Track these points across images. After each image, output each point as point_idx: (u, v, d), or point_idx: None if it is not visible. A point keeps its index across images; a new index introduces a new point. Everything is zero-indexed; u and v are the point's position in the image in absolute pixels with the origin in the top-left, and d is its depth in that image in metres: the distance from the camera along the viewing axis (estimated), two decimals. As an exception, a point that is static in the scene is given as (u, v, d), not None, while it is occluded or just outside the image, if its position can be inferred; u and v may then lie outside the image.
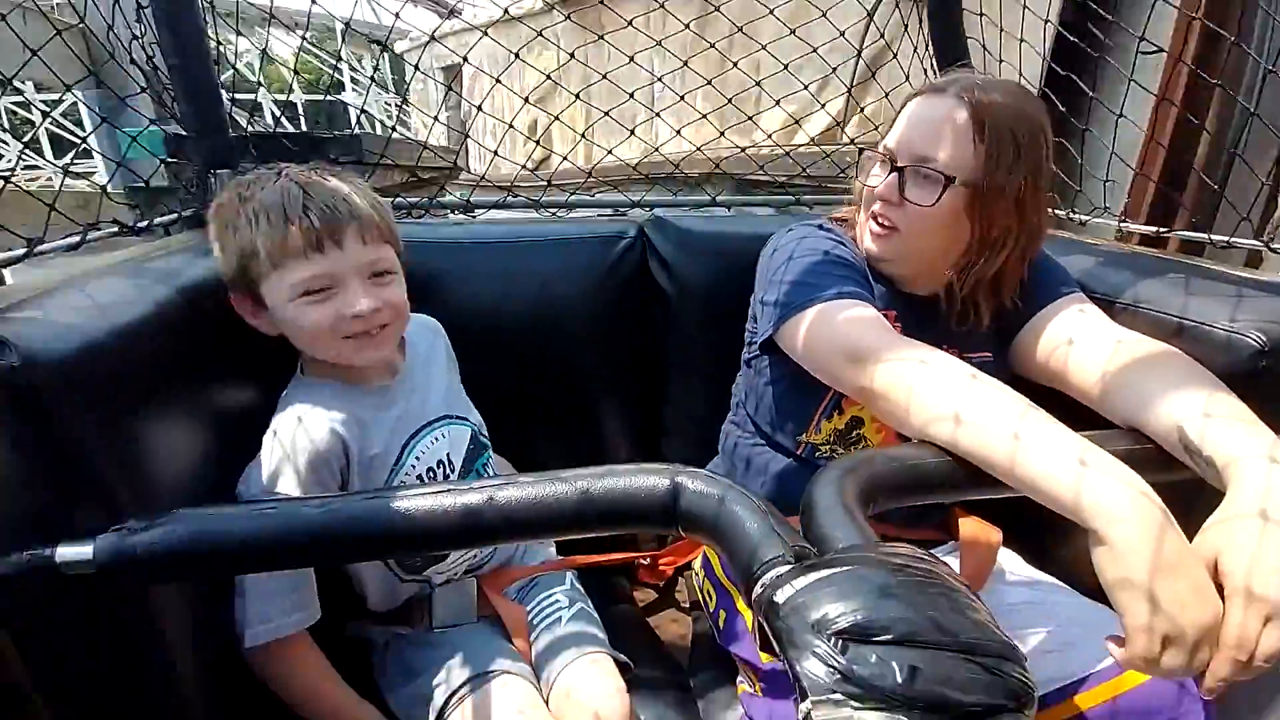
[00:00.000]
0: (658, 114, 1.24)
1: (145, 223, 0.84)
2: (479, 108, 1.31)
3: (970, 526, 0.88)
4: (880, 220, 0.79)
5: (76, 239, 0.71)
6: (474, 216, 1.21)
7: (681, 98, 1.31)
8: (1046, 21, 1.12)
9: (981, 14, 1.17)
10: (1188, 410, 0.55)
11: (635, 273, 1.11)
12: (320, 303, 0.69)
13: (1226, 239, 0.84)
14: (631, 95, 1.23)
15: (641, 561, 1.08)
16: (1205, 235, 0.87)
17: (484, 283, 1.07)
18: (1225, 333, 0.67)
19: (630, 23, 1.18)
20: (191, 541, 0.47)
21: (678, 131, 1.43)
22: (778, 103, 1.29)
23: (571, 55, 1.22)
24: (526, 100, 1.28)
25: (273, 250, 0.67)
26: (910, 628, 0.33)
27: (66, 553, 0.48)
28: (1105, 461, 0.50)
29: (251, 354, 0.74)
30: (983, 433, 0.54)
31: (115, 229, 0.78)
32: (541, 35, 1.19)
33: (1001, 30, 1.18)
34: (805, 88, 1.26)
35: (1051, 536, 0.87)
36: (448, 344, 0.94)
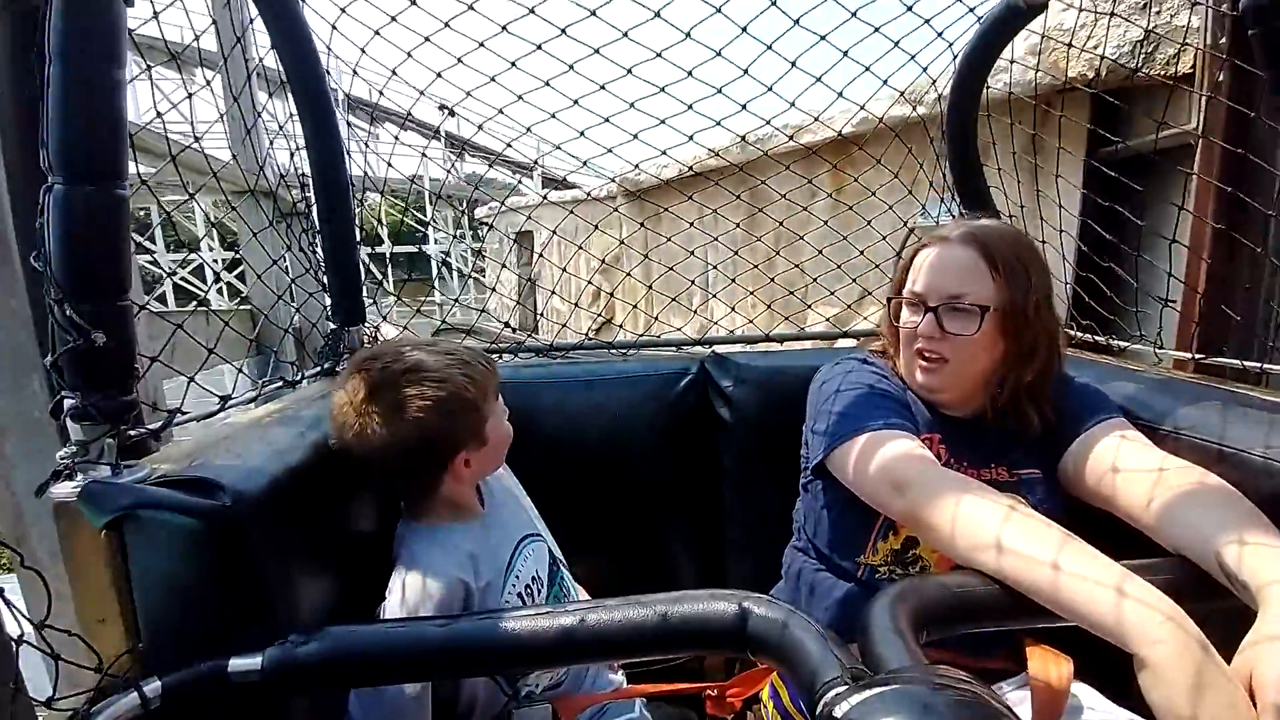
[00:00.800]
0: (714, 294, 1.41)
1: (300, 376, 1.03)
2: (557, 280, 1.50)
3: (1039, 655, 0.87)
4: (928, 355, 0.88)
5: (254, 394, 0.89)
6: (554, 358, 1.37)
7: (733, 280, 1.48)
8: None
9: (1022, 207, 1.31)
10: (1226, 537, 0.59)
11: (697, 405, 1.22)
12: (506, 420, 0.90)
13: (1260, 364, 0.88)
14: (693, 282, 1.42)
15: (709, 693, 1.08)
16: (1239, 362, 0.91)
17: (562, 417, 1.20)
18: (1263, 459, 0.71)
19: (692, 224, 1.40)
20: (341, 653, 0.57)
21: (731, 308, 1.62)
22: (832, 293, 1.45)
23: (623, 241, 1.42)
24: (593, 274, 1.48)
25: (493, 387, 0.86)
26: (951, 742, 0.38)
27: (239, 664, 0.58)
28: (1142, 589, 0.54)
29: (368, 491, 0.87)
30: (1024, 560, 0.59)
31: (281, 384, 0.96)
32: (615, 210, 1.41)
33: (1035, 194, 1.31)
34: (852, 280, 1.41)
35: (1129, 669, 0.85)
36: (508, 469, 1.04)
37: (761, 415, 1.17)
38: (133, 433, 0.66)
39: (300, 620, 0.67)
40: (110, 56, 0.59)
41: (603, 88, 1.11)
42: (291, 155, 1.18)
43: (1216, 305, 1.01)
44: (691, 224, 1.37)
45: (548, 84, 1.07)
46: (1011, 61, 1.24)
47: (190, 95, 0.87)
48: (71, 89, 0.57)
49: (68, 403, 0.59)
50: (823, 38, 1.10)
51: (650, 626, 0.59)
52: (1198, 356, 1.01)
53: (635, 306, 1.88)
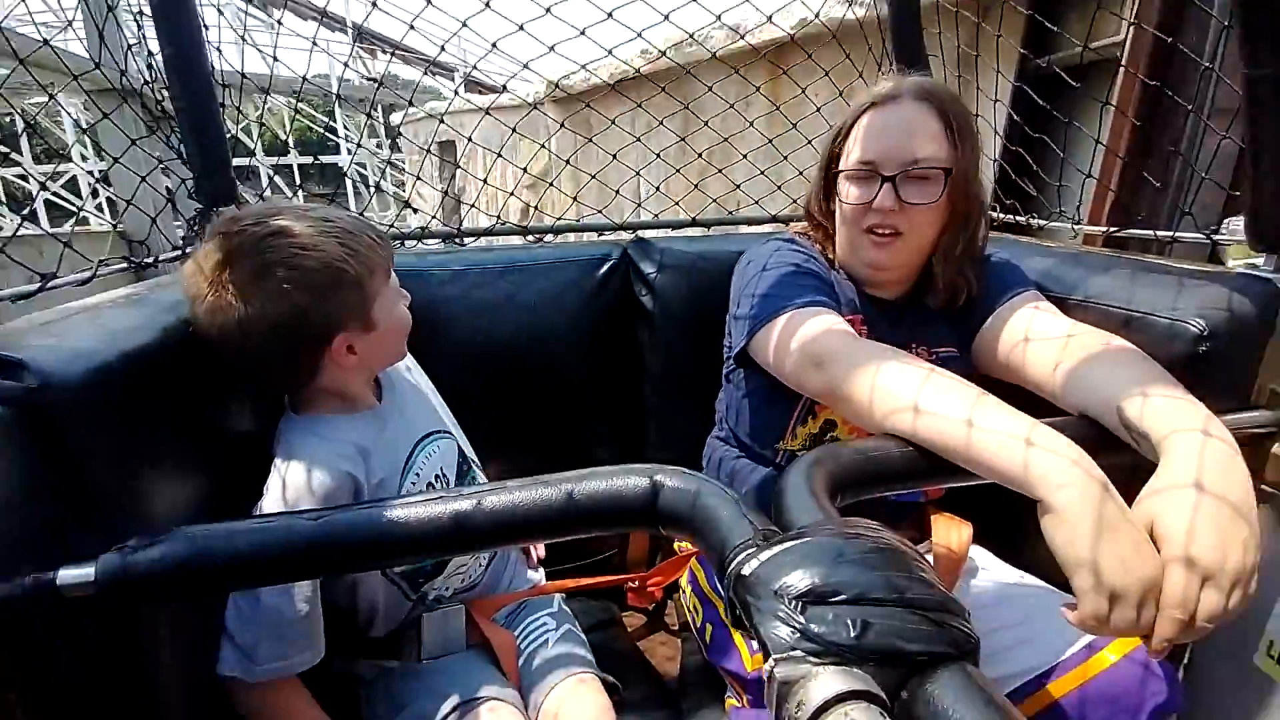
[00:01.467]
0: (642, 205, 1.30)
1: (151, 258, 0.88)
2: (485, 180, 1.36)
3: (942, 523, 0.91)
4: (880, 230, 0.82)
5: (87, 274, 0.75)
6: (463, 244, 1.26)
7: (658, 189, 1.37)
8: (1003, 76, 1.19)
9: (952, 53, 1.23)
10: (1127, 392, 0.59)
11: (620, 293, 1.15)
12: (402, 305, 0.80)
13: (1171, 234, 0.89)
14: (617, 193, 1.30)
15: (630, 585, 1.09)
16: (1151, 232, 0.92)
17: (474, 306, 1.10)
18: (1169, 321, 0.72)
19: (615, 124, 1.25)
20: (193, 558, 0.50)
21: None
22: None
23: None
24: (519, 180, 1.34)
25: (383, 265, 0.74)
26: (862, 588, 0.36)
27: (68, 575, 0.49)
28: (1049, 437, 0.54)
29: (240, 384, 0.77)
30: (939, 420, 0.58)
31: (124, 265, 0.82)
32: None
33: (972, 54, 1.25)
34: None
35: (1022, 532, 0.90)
36: (415, 364, 0.96)
37: (686, 303, 1.12)
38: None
39: (151, 526, 0.59)
40: None
41: None
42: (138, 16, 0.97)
43: (1135, 175, 1.01)
44: (615, 124, 1.23)
45: None
46: None
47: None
48: None
49: None
50: None
51: (556, 506, 0.54)
52: (1111, 230, 1.02)
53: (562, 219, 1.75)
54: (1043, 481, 0.51)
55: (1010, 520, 0.85)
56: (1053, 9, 1.43)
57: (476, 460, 0.95)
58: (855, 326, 0.86)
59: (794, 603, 0.36)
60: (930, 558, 0.87)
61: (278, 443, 0.75)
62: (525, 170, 1.33)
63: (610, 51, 1.17)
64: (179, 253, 0.96)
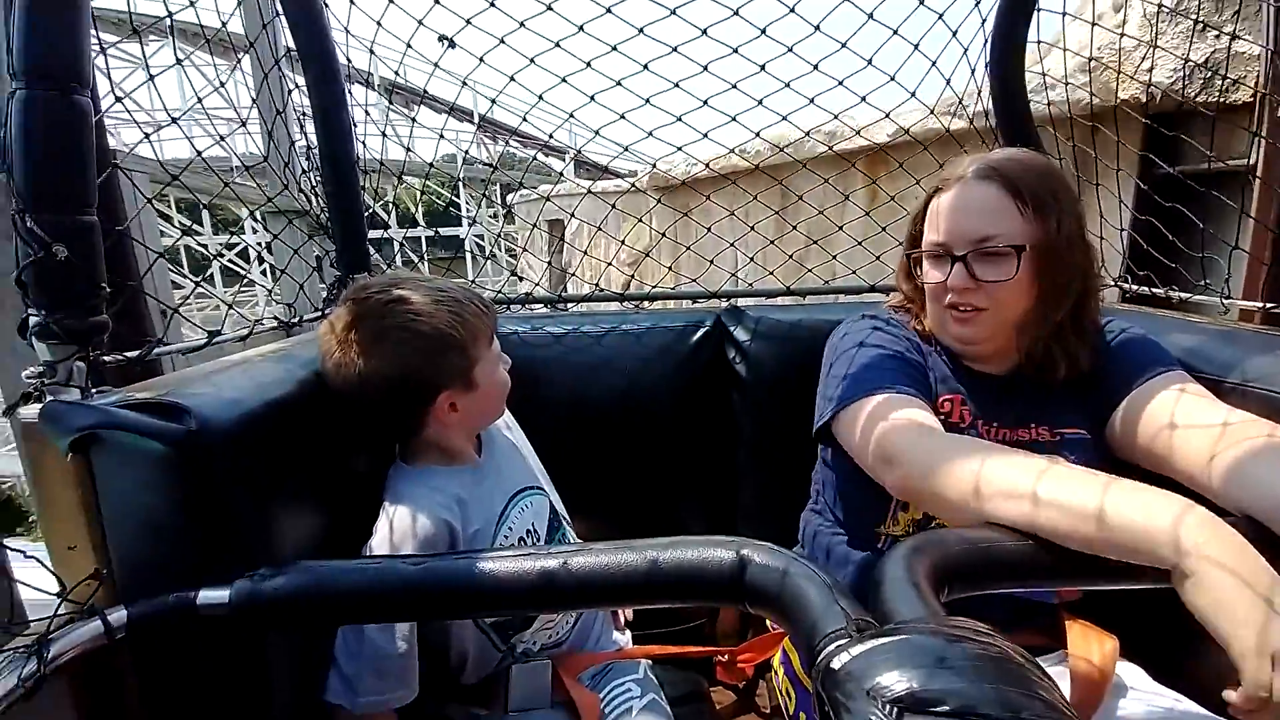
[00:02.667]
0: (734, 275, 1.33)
1: (297, 319, 1.00)
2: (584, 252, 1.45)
3: (1079, 631, 0.80)
4: (961, 307, 0.80)
5: (245, 332, 0.86)
6: (564, 309, 1.32)
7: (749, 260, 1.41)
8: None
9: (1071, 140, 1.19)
10: None
11: (712, 360, 1.16)
12: (502, 368, 0.86)
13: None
14: (711, 262, 1.36)
15: (719, 659, 1.05)
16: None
17: (573, 368, 1.15)
18: (1349, 412, 0.62)
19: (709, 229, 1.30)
20: (312, 589, 0.54)
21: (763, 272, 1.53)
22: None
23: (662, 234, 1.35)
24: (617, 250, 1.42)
25: (486, 332, 0.82)
26: (969, 701, 0.32)
27: (207, 596, 0.55)
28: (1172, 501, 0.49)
29: (360, 434, 0.84)
30: (1061, 498, 0.53)
31: (275, 324, 0.94)
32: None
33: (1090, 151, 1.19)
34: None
35: (1180, 647, 0.78)
36: (514, 422, 1.01)
37: (779, 372, 1.11)
38: (107, 358, 0.63)
39: (277, 556, 0.64)
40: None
41: (646, 67, 1.07)
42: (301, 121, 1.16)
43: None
44: (711, 199, 1.29)
45: (589, 65, 1.05)
46: (1064, 81, 1.12)
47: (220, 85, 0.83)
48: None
49: (32, 320, 0.57)
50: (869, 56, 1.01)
51: (640, 572, 0.54)
52: (1269, 306, 0.90)
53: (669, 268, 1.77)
54: (1177, 541, 0.47)
55: (1165, 632, 0.74)
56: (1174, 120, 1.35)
57: (567, 517, 0.97)
58: (955, 406, 0.82)
59: (889, 707, 0.33)
60: (1067, 671, 0.77)
61: (387, 489, 0.81)
62: (623, 243, 1.40)
63: (706, 134, 1.23)
64: (319, 314, 1.08)
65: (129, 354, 0.66)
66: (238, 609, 0.55)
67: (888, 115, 1.16)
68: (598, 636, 0.96)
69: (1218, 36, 1.24)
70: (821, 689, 0.38)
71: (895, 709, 0.33)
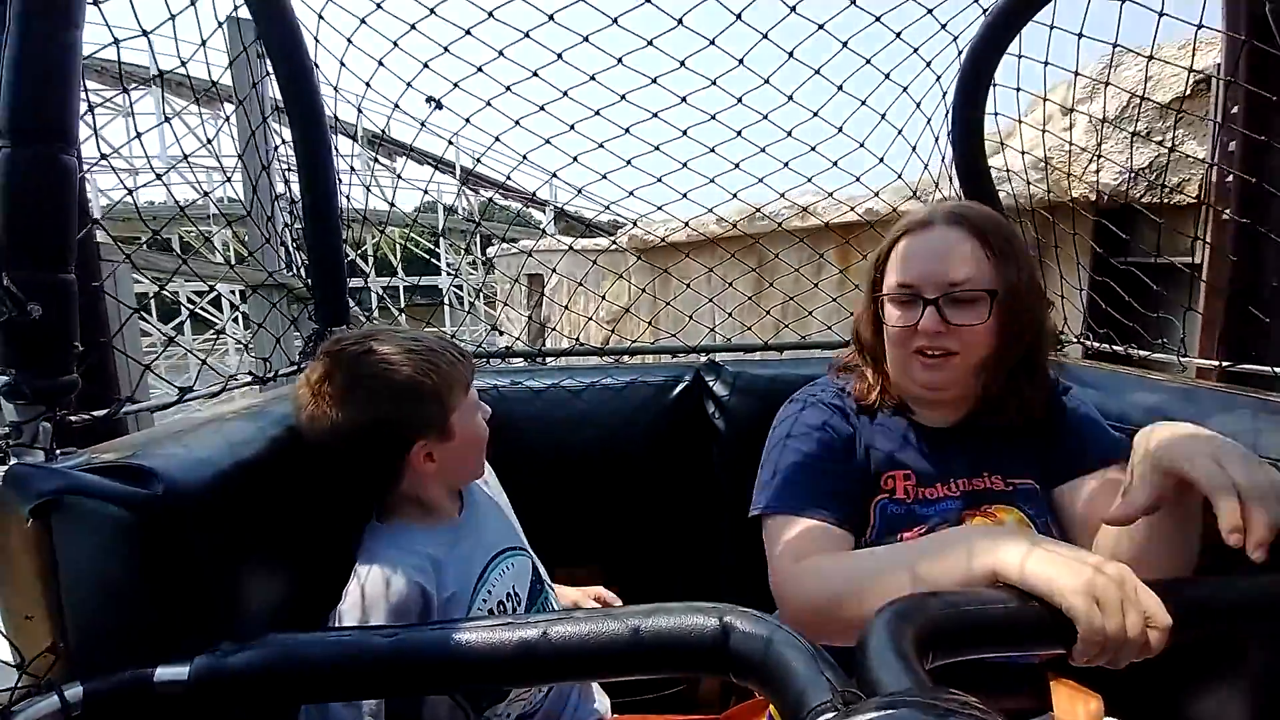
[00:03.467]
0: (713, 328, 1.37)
1: (271, 374, 0.98)
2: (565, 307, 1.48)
3: (1065, 692, 0.80)
4: (931, 352, 0.80)
5: (219, 388, 0.85)
6: (543, 363, 1.32)
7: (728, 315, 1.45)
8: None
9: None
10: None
11: (693, 414, 1.16)
12: (480, 418, 0.86)
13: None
14: (690, 317, 1.40)
15: (702, 726, 1.02)
16: (1271, 368, 0.85)
17: (552, 423, 1.14)
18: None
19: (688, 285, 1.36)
20: (278, 664, 0.51)
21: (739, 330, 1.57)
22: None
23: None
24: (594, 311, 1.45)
25: (462, 381, 0.82)
26: (959, 780, 0.32)
27: (165, 673, 0.52)
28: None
29: (333, 494, 0.82)
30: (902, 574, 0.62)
31: (249, 380, 0.92)
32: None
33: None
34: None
35: (1164, 703, 0.78)
36: (494, 476, 0.99)
37: (758, 426, 1.09)
38: (73, 418, 0.61)
39: (246, 627, 0.62)
40: (66, 18, 0.56)
41: (627, 130, 1.12)
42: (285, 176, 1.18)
43: (1242, 308, 0.95)
44: (690, 257, 1.33)
45: (572, 128, 1.09)
46: (1011, 172, 1.22)
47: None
48: (23, 46, 0.54)
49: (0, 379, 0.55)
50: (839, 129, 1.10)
51: (621, 642, 0.53)
52: (1225, 364, 0.95)
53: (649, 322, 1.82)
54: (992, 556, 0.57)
55: (1148, 688, 0.74)
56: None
57: (549, 580, 0.95)
58: (897, 483, 0.82)
59: (878, 787, 0.32)
60: None
61: (361, 550, 0.79)
62: (604, 298, 1.42)
63: (685, 194, 1.27)
64: (295, 368, 1.06)
65: (97, 414, 0.64)
66: (198, 687, 0.52)
67: (877, 194, 1.22)
68: (575, 705, 0.92)
69: (1160, 143, 1.32)
70: (809, 768, 0.37)
71: (884, 791, 0.32)
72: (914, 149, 1.19)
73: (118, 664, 0.52)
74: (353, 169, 1.20)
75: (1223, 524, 0.53)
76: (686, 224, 1.41)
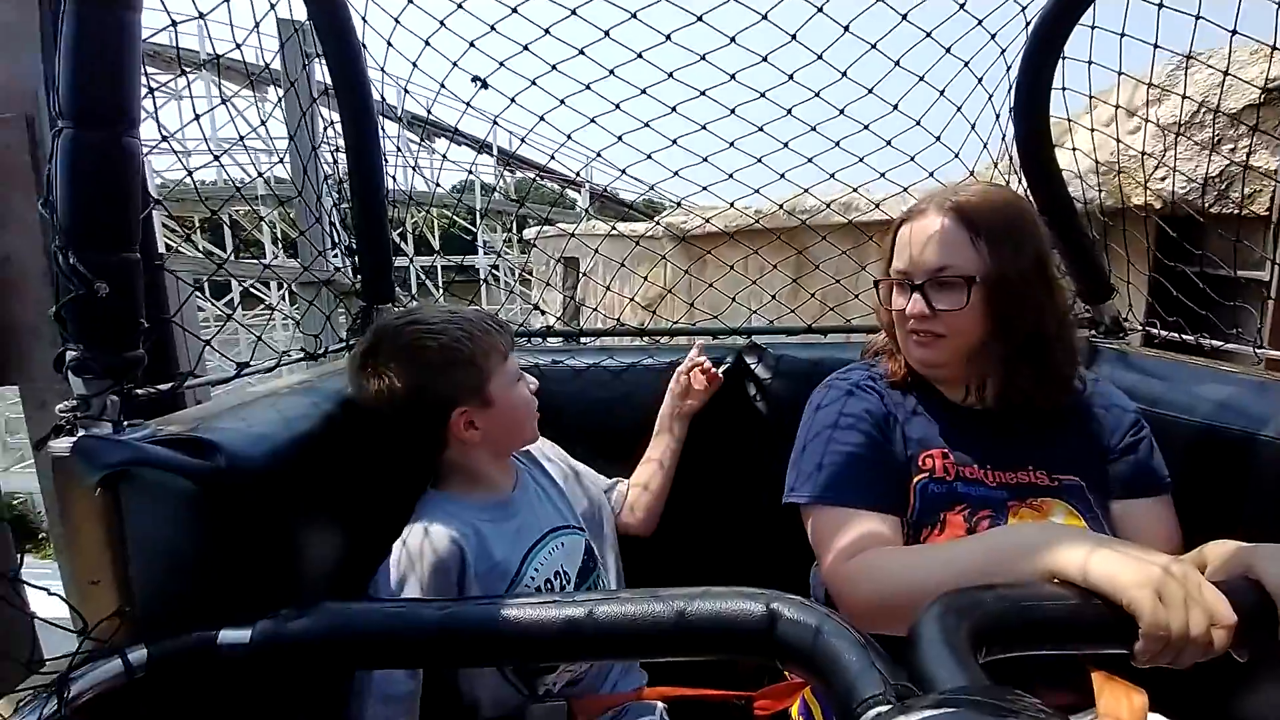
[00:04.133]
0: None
1: (322, 350, 1.01)
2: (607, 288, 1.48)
3: (1109, 689, 0.77)
4: (920, 333, 0.83)
5: (273, 364, 0.87)
6: (583, 344, 1.33)
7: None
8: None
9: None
10: None
11: (733, 397, 1.15)
12: (523, 387, 0.87)
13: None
14: (733, 299, 1.38)
15: (736, 703, 1.02)
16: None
17: (591, 404, 1.15)
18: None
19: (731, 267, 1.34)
20: (333, 632, 0.53)
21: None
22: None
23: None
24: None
25: (499, 348, 0.84)
26: (1022, 782, 0.31)
27: (228, 636, 0.55)
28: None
29: (391, 465, 0.84)
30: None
31: (301, 356, 0.95)
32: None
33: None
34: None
35: (1211, 699, 0.75)
36: (560, 453, 1.02)
37: (802, 409, 1.09)
38: (139, 391, 0.64)
39: (303, 593, 0.64)
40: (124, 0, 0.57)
41: (674, 109, 1.09)
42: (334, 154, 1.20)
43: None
44: (735, 238, 1.29)
45: (618, 107, 1.07)
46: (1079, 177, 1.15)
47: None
48: (82, 31, 0.55)
49: (69, 355, 0.57)
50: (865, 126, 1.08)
51: (667, 623, 0.53)
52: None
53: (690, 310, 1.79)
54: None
55: (1194, 683, 0.71)
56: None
57: (604, 559, 0.97)
58: (936, 461, 0.82)
59: (938, 785, 0.32)
60: None
61: (414, 514, 0.83)
62: (645, 279, 1.41)
63: (731, 175, 1.24)
64: (344, 345, 1.09)
65: (161, 387, 0.67)
66: (258, 650, 0.54)
67: (932, 174, 1.17)
68: (618, 674, 0.94)
69: (1233, 151, 1.24)
70: (863, 760, 0.36)
71: (944, 789, 0.32)
72: (973, 126, 1.14)
73: (181, 628, 0.55)
74: (399, 149, 1.21)
75: None
76: (732, 204, 1.38)
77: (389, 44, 1.04)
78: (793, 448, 0.90)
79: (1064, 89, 1.08)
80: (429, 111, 1.08)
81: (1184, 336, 1.06)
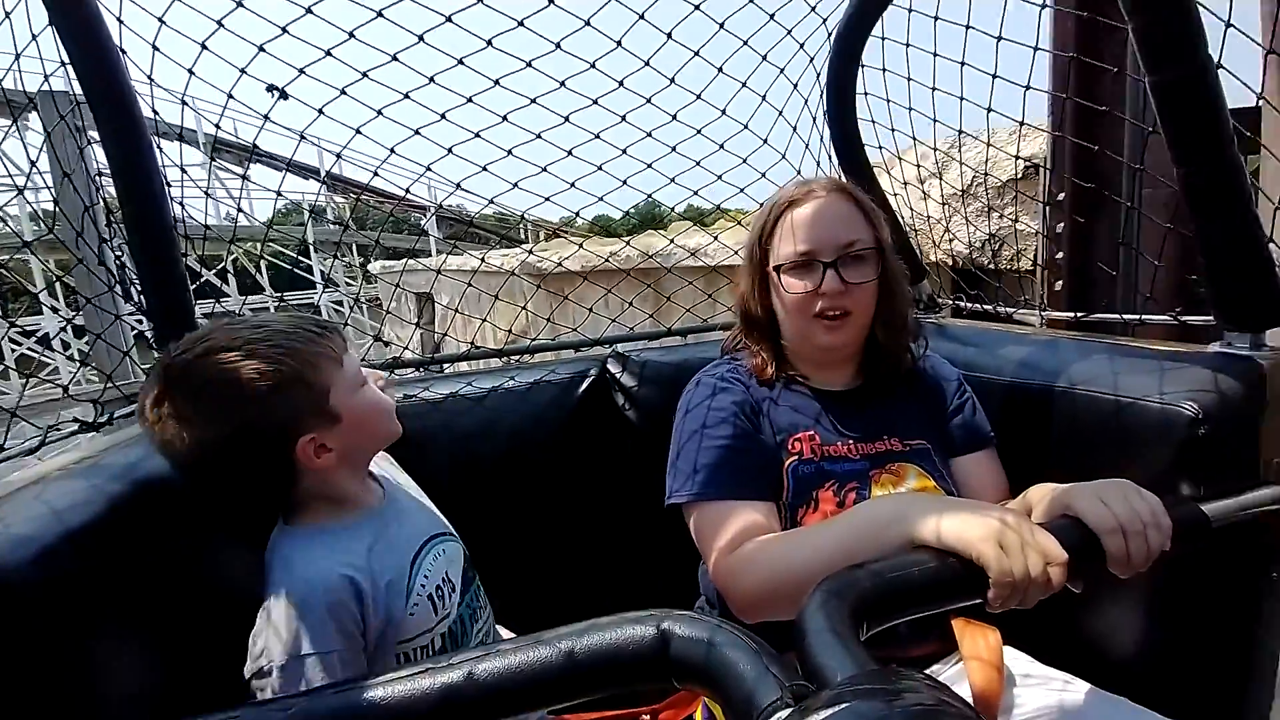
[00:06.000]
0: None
1: (105, 417, 0.83)
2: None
3: (967, 631, 0.85)
4: (831, 313, 0.85)
5: (36, 443, 0.70)
6: (441, 371, 1.24)
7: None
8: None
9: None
10: None
11: (602, 409, 1.13)
12: (370, 388, 0.76)
13: (1138, 317, 0.92)
14: (590, 310, 1.35)
15: (642, 718, 1.00)
16: (1118, 315, 0.95)
17: (455, 436, 1.07)
18: (1160, 405, 0.71)
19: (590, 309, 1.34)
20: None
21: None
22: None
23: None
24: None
25: (330, 355, 0.71)
26: (916, 767, 0.31)
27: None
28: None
29: (218, 539, 0.71)
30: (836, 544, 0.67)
31: (75, 427, 0.77)
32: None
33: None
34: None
35: (1057, 629, 0.85)
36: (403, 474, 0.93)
37: (672, 413, 1.10)
38: None
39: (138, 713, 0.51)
40: None
41: (505, 118, 1.04)
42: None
43: (1089, 263, 1.06)
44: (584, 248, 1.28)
45: (443, 117, 1.00)
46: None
47: None
48: None
49: None
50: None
51: (555, 668, 0.49)
52: (1080, 315, 1.05)
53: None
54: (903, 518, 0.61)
55: (1036, 617, 0.80)
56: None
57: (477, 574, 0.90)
58: (804, 444, 0.86)
59: (843, 791, 0.31)
60: (962, 668, 0.81)
61: (271, 561, 0.70)
62: (496, 297, 1.35)
63: (573, 184, 1.22)
64: (134, 408, 0.91)
65: None
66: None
67: (763, 174, 1.23)
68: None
69: (1001, 217, 1.48)
70: (769, 776, 0.35)
71: (849, 792, 0.31)
72: (795, 128, 1.22)
73: None
74: (184, 171, 1.04)
75: (1110, 562, 0.59)
76: (581, 245, 1.38)
77: (155, 47, 0.88)
78: (669, 451, 0.90)
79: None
80: (217, 126, 0.93)
81: (985, 307, 1.21)
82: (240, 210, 1.10)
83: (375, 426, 0.76)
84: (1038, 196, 1.41)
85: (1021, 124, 1.00)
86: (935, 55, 1.02)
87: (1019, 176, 1.49)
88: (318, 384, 0.69)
